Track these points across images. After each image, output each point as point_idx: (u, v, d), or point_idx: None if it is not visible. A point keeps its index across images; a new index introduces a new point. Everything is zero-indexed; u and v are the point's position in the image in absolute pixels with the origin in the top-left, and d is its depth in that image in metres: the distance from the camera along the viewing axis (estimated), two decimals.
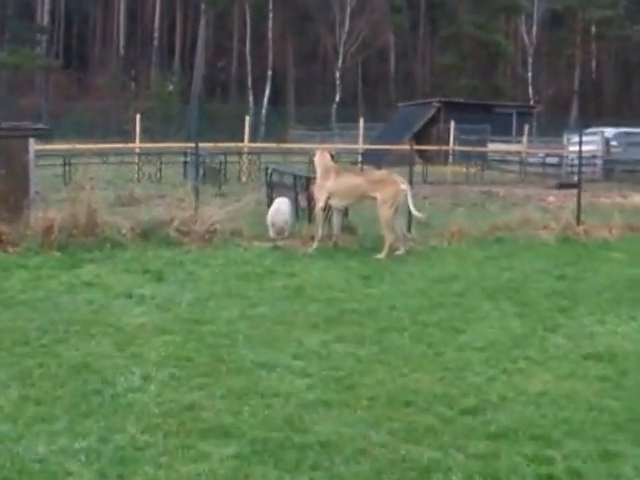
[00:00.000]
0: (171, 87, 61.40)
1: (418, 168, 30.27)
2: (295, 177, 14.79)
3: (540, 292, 9.67)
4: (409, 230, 13.34)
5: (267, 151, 27.93)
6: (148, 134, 41.51)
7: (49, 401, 5.68)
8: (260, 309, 8.41)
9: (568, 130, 36.04)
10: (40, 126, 13.34)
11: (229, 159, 25.09)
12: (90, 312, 8.14)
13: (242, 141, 27.82)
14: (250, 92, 62.20)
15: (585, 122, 39.19)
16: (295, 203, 14.59)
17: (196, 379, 6.21)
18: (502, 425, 5.53)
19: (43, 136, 13.42)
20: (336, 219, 12.25)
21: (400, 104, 46.87)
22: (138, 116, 23.93)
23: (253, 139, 31.88)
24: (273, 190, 15.96)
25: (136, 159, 24.07)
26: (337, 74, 63.83)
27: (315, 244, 11.81)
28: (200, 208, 12.35)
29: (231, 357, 6.79)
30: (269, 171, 16.20)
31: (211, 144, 22.54)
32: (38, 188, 13.14)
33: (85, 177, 12.64)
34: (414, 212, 12.07)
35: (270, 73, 62.32)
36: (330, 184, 12.03)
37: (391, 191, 11.82)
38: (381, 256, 11.44)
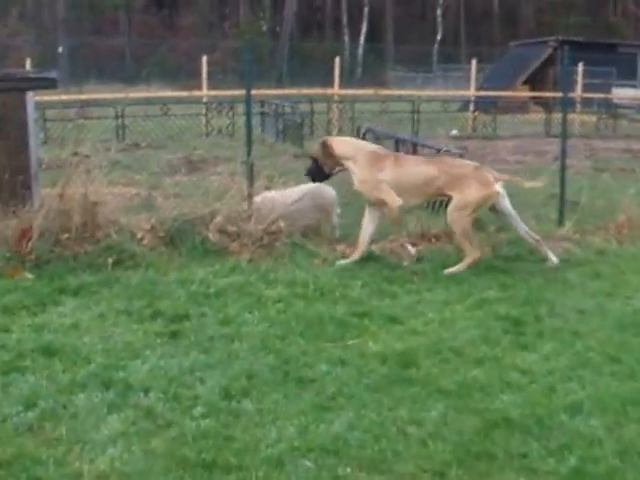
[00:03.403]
0: (264, 26, 57.70)
1: (534, 116, 26.02)
2: (397, 141, 10.78)
3: None
4: (561, 221, 9.25)
5: (362, 98, 23.75)
6: (236, 76, 38.10)
7: None
8: (322, 428, 4.55)
9: None
10: (42, 75, 9.68)
11: (317, 108, 21.12)
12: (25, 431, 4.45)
13: (332, 85, 23.75)
14: (346, 31, 57.88)
15: None
16: None
17: None
18: None
19: (46, 87, 9.72)
20: (367, 226, 7.93)
21: (511, 43, 41.88)
22: (204, 59, 20.15)
23: (348, 83, 27.77)
24: None
25: (204, 110, 20.29)
26: (438, 11, 59.16)
27: (356, 254, 7.84)
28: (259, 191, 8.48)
29: None
30: (362, 131, 12.20)
31: (294, 91, 18.62)
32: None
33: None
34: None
35: (367, 10, 57.71)
36: (389, 175, 7.76)
37: (477, 193, 7.64)
38: (453, 270, 7.53)
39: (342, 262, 7.66)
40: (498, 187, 7.70)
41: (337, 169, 8.01)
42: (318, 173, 8.06)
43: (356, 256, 7.73)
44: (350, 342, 5.74)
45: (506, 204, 7.82)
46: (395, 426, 4.57)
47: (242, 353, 5.50)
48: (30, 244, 7.16)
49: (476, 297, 6.75)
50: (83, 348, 5.59)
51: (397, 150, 10.66)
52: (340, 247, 8.11)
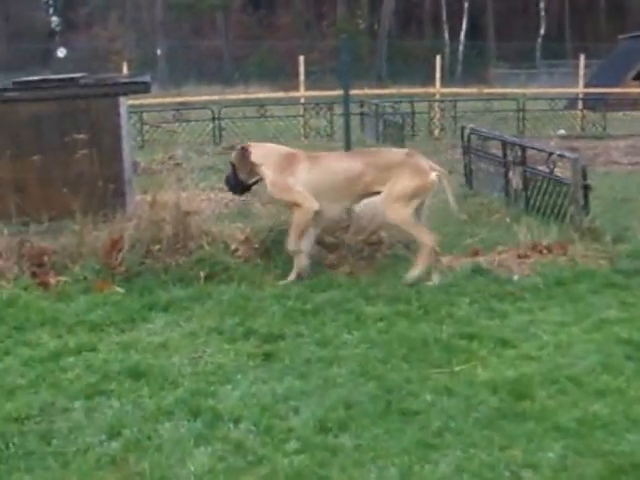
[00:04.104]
0: (362, 24, 57.29)
1: None
2: (505, 144, 10.20)
3: None
4: None
5: (464, 97, 23.06)
6: (334, 75, 37.79)
7: None
8: (427, 469, 4.10)
9: None
10: (135, 79, 9.47)
11: (418, 107, 20.56)
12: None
13: (433, 84, 23.15)
14: (445, 27, 56.89)
15: None
16: (505, 183, 10.12)
17: None
18: None
19: (139, 92, 9.51)
20: (305, 240, 7.18)
21: (620, 36, 40.40)
22: (302, 59, 19.82)
23: (449, 81, 27.12)
24: (471, 160, 11.49)
25: (301, 110, 19.96)
26: (541, 4, 57.63)
27: (293, 274, 7.13)
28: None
29: None
30: (466, 132, 11.65)
31: (393, 90, 18.15)
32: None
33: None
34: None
35: (467, 5, 56.60)
36: (304, 177, 7.05)
37: (411, 183, 6.91)
38: (411, 277, 6.91)
39: (282, 282, 6.98)
40: (434, 176, 6.99)
41: (254, 178, 7.34)
42: (236, 183, 7.41)
43: (292, 276, 7.06)
44: (457, 368, 5.27)
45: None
46: (508, 470, 4.09)
47: (340, 379, 5.09)
48: (120, 256, 6.91)
49: (594, 317, 6.16)
50: (171, 370, 5.28)
51: (504, 154, 10.10)
52: (445, 259, 7.61)
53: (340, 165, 7.16)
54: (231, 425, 4.51)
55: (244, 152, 7.27)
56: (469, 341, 5.71)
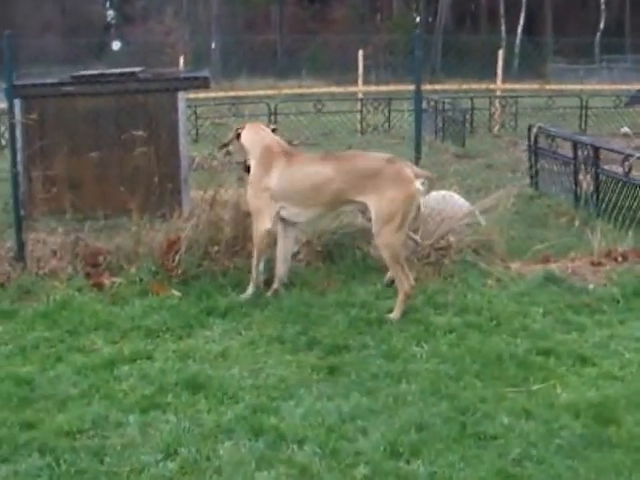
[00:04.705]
0: (417, 18, 56.76)
1: None
2: (575, 144, 9.78)
3: None
4: None
5: (524, 93, 22.48)
6: (389, 70, 37.36)
7: None
8: None
9: None
10: (194, 74, 9.24)
11: (477, 104, 20.10)
12: None
13: (493, 79, 22.63)
14: (502, 21, 56.04)
15: None
16: (574, 184, 9.71)
17: None
18: None
19: (198, 87, 9.27)
20: (280, 246, 6.62)
21: None
22: (360, 53, 19.45)
23: (506, 76, 26.60)
24: (538, 160, 11.08)
25: (358, 105, 19.59)
26: None
27: (250, 289, 6.52)
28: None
29: None
30: (533, 131, 11.23)
31: (448, 85, 17.75)
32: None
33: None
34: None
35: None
36: (276, 176, 6.39)
37: (396, 195, 6.07)
38: (393, 316, 6.09)
39: (242, 296, 6.43)
40: (418, 185, 6.12)
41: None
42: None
43: (275, 285, 6.54)
44: (535, 387, 4.92)
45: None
46: None
47: (410, 397, 4.77)
48: (177, 257, 6.65)
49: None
50: (231, 383, 5.00)
51: (575, 154, 9.68)
52: (515, 265, 7.24)
53: (308, 169, 6.42)
54: (295, 447, 4.22)
55: (237, 134, 6.71)
56: (546, 357, 5.35)
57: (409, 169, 6.22)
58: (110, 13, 64.44)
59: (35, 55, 36.13)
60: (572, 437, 4.32)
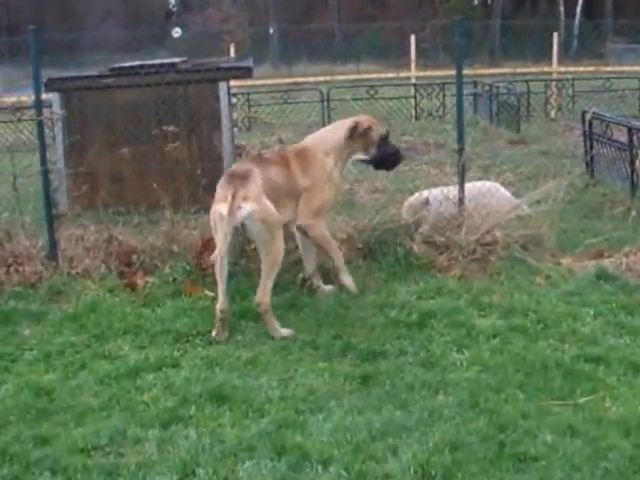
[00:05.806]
0: (475, 0, 55.97)
1: None
2: (630, 130, 9.31)
3: None
4: None
5: (582, 75, 21.78)
6: (447, 54, 36.66)
7: None
8: None
9: None
10: (236, 64, 9.01)
11: (533, 87, 19.50)
12: None
13: (550, 62, 22.00)
14: (561, 2, 54.81)
15: None
16: (630, 172, 9.27)
17: None
18: None
19: (241, 77, 9.04)
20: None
21: None
22: (413, 37, 19.00)
23: (564, 59, 25.85)
24: (593, 146, 10.63)
25: (412, 91, 19.15)
26: None
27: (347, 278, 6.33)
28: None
29: None
30: (587, 116, 10.75)
31: (506, 69, 17.24)
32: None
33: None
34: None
35: None
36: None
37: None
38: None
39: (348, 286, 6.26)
40: (222, 209, 5.52)
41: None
42: None
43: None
44: (582, 400, 4.55)
45: None
46: None
47: (446, 411, 4.44)
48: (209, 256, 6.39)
49: None
50: (258, 394, 4.74)
51: (630, 141, 9.21)
52: (566, 261, 6.86)
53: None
54: (319, 468, 3.94)
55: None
56: (595, 365, 4.98)
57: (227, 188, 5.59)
58: (171, 1, 64.68)
59: (98, 44, 36.39)
60: (621, 459, 3.94)
